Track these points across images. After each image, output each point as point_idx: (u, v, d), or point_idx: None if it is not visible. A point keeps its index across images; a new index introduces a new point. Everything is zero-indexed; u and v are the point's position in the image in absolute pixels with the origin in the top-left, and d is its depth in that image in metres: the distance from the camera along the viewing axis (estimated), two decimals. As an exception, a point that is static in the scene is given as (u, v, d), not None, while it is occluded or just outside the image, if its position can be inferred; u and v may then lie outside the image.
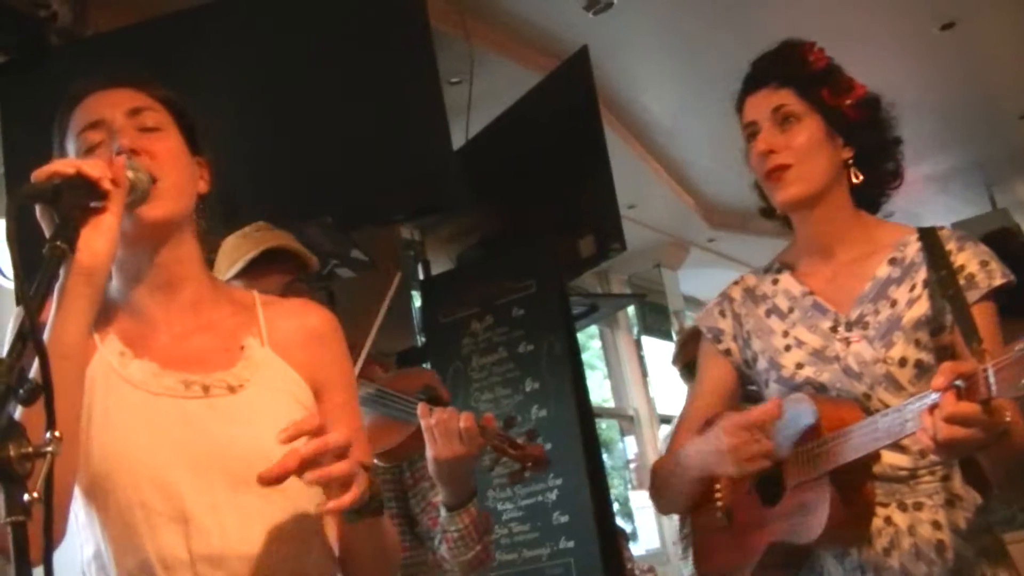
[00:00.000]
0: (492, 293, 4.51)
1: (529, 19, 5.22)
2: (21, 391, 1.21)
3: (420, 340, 4.90)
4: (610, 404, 8.46)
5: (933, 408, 1.72)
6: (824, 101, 2.17)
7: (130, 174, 1.57)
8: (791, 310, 2.25)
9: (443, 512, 2.44)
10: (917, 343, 2.07)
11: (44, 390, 1.23)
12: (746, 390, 2.39)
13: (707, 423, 2.25)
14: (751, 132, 2.21)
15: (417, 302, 5.12)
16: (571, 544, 4.13)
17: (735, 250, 8.68)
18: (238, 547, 1.57)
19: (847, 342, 2.13)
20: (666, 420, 8.32)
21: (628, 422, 8.40)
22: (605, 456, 9.38)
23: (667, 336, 8.61)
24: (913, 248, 2.16)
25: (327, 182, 3.63)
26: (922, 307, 2.09)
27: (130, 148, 1.63)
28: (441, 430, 2.31)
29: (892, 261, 2.16)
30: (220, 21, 3.90)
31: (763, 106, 2.19)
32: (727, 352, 2.34)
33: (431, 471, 2.39)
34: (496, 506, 4.34)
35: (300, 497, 1.61)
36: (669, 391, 8.25)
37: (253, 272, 2.54)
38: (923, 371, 2.05)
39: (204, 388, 1.63)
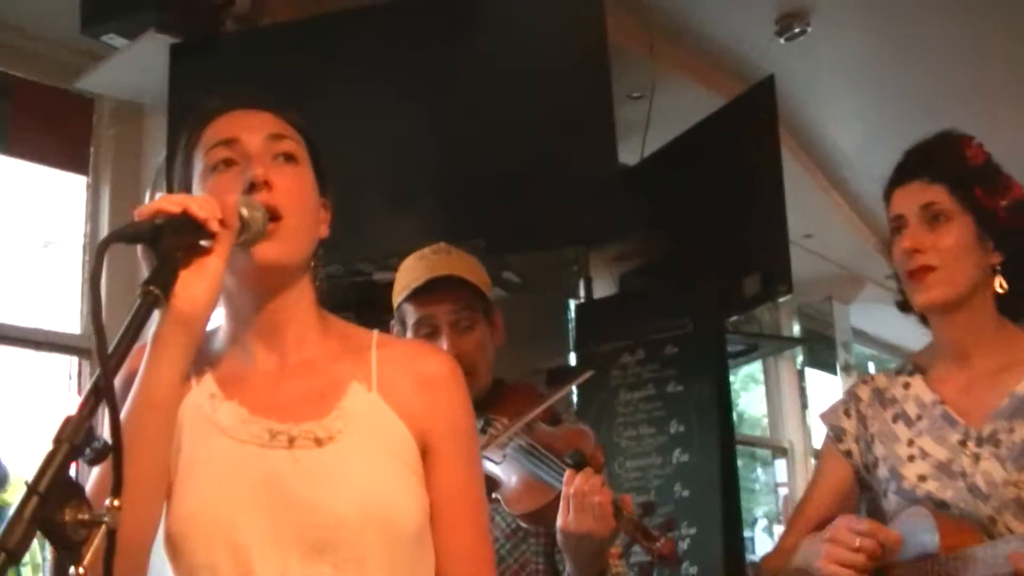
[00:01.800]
0: (647, 327, 4.36)
1: (717, 40, 5.06)
2: (88, 451, 1.15)
3: (572, 359, 4.82)
4: (765, 433, 8.28)
5: None
6: (978, 201, 2.04)
7: (244, 212, 1.47)
8: (919, 418, 2.12)
9: None
10: None
11: (114, 453, 1.16)
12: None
13: (819, 527, 2.12)
14: (897, 226, 2.09)
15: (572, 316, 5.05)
16: (699, 597, 3.97)
17: (913, 290, 8.24)
18: None
19: (976, 459, 1.99)
20: (822, 457, 8.07)
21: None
22: (758, 471, 9.25)
23: (831, 369, 8.38)
24: None
25: (484, 202, 3.55)
26: None
27: (264, 180, 1.53)
28: (577, 502, 2.17)
29: None
30: (392, 23, 3.86)
31: (913, 200, 2.06)
32: (848, 453, 2.22)
33: (559, 540, 2.24)
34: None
35: (379, 572, 1.49)
36: (828, 426, 7.98)
37: (422, 298, 2.48)
38: None
39: (290, 439, 1.52)
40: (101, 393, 1.18)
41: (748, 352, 5.55)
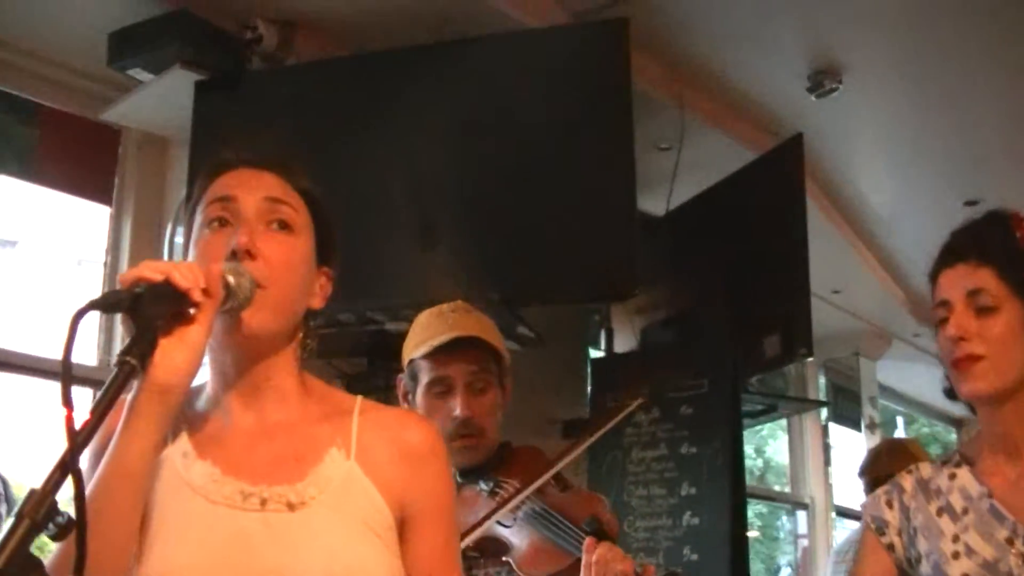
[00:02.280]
0: (663, 385, 4.31)
1: (748, 93, 5.02)
2: (51, 526, 1.12)
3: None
4: (787, 488, 8.19)
5: None
6: None
7: (230, 279, 1.43)
8: (965, 511, 2.02)
9: None
10: None
11: (78, 532, 1.14)
12: None
13: None
14: (943, 313, 2.00)
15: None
16: (703, 668, 3.90)
17: (941, 349, 8.19)
18: None
19: None
20: (843, 513, 7.96)
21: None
22: (783, 519, 9.17)
23: (856, 426, 8.29)
24: None
25: (500, 254, 3.51)
26: None
27: (246, 249, 1.50)
28: (600, 570, 2.15)
29: None
30: (416, 66, 3.84)
31: (959, 285, 1.98)
32: (890, 547, 2.12)
33: None
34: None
35: None
36: (849, 483, 7.89)
37: (441, 357, 2.46)
38: None
39: (262, 502, 1.49)
40: (67, 469, 1.16)
41: (769, 411, 5.47)
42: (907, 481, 2.16)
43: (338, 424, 1.60)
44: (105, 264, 4.28)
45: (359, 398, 1.67)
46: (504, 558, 2.38)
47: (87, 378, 3.87)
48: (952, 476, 2.09)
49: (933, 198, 5.93)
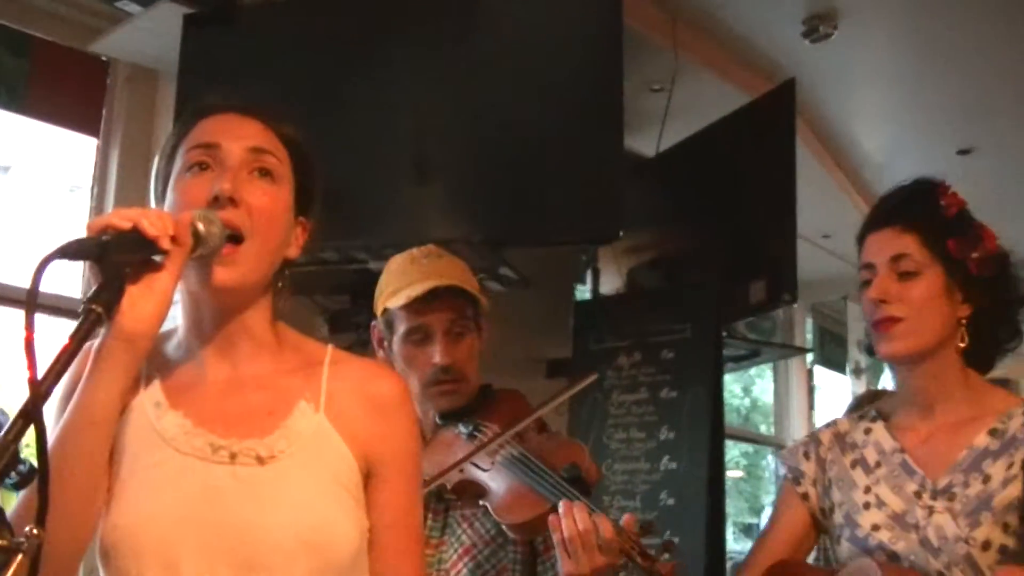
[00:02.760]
0: (646, 329, 4.32)
1: (743, 36, 4.98)
2: (13, 474, 1.14)
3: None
4: (772, 428, 8.24)
5: None
6: (949, 253, 2.03)
7: (200, 227, 1.44)
8: (878, 465, 2.12)
9: None
10: (1005, 527, 1.92)
11: (40, 481, 1.15)
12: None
13: (772, 568, 2.17)
14: (867, 276, 2.08)
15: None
16: (674, 609, 3.91)
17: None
18: None
19: (930, 511, 2.00)
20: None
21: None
22: (768, 459, 9.23)
23: (842, 370, 8.33)
24: (1017, 422, 2.00)
25: (483, 194, 3.49)
26: (1016, 489, 1.93)
27: (229, 196, 1.51)
28: (580, 543, 2.09)
29: (993, 432, 2.01)
30: (415, 5, 3.80)
31: (884, 249, 2.06)
32: (804, 496, 2.23)
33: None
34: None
35: None
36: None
37: (418, 306, 2.45)
38: (1007, 557, 1.90)
39: (232, 455, 1.51)
40: (29, 417, 1.17)
41: (752, 357, 5.49)
42: (825, 435, 2.25)
43: (308, 376, 1.62)
44: (92, 195, 4.28)
45: (330, 348, 1.68)
46: (481, 502, 2.38)
47: (71, 311, 3.89)
48: (868, 431, 2.18)
49: (926, 145, 5.93)
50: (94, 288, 1.35)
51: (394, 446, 1.63)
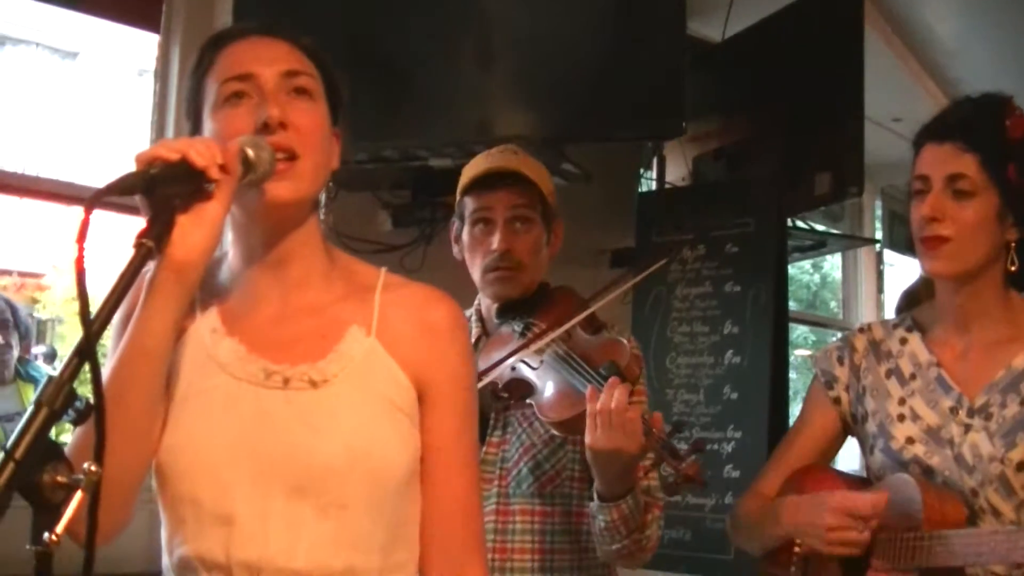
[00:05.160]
0: (709, 223, 4.27)
1: (815, -82, 4.82)
2: (70, 411, 1.17)
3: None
4: (839, 316, 8.18)
5: None
6: (1007, 179, 1.99)
7: (250, 152, 1.46)
8: (913, 377, 2.12)
9: (595, 499, 2.32)
10: None
11: (96, 418, 1.17)
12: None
13: (799, 472, 2.20)
14: (920, 187, 2.06)
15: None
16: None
17: (1002, 175, 8.04)
18: (277, 559, 1.49)
19: (966, 428, 2.00)
20: (894, 340, 7.98)
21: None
22: (835, 338, 9.17)
23: (912, 252, 8.20)
24: None
25: (542, 92, 3.45)
26: None
27: (279, 121, 1.52)
28: (604, 419, 2.16)
29: None
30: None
31: (942, 166, 2.02)
32: (836, 401, 2.24)
33: (587, 456, 2.25)
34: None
35: (363, 517, 1.52)
36: (904, 310, 7.86)
37: (482, 191, 2.51)
38: None
39: (284, 380, 1.54)
40: (84, 356, 1.19)
41: (818, 247, 5.43)
42: (859, 340, 2.25)
43: (361, 300, 1.64)
44: (154, 92, 4.28)
45: (383, 272, 1.70)
46: (528, 400, 2.42)
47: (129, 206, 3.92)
48: (903, 340, 2.18)
49: (1000, 31, 5.76)
50: (145, 222, 1.37)
51: (446, 370, 1.64)
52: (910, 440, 2.06)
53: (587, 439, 2.20)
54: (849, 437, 2.30)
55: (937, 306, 2.17)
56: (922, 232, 2.05)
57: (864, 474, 2.24)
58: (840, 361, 2.25)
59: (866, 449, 2.18)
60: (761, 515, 2.22)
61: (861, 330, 2.29)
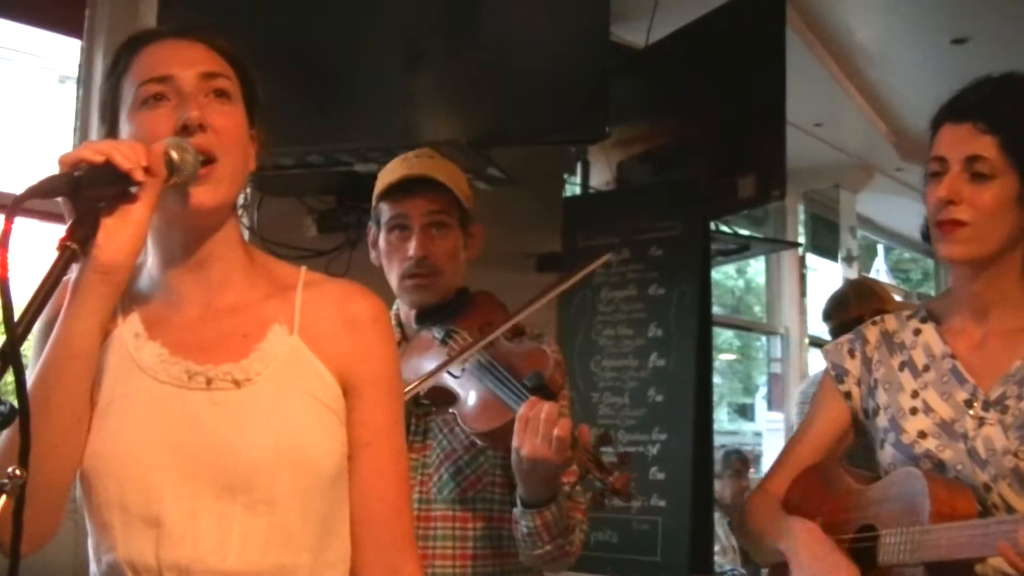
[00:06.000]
0: (634, 226, 4.28)
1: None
2: (-7, 415, 1.15)
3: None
4: (764, 320, 8.28)
5: None
6: None
7: (174, 155, 1.44)
8: (926, 369, 2.05)
9: (518, 504, 2.30)
10: None
11: (21, 421, 1.17)
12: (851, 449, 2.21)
13: (808, 470, 2.14)
14: (937, 168, 1.97)
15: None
16: (662, 503, 3.96)
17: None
18: (208, 559, 1.47)
19: (980, 422, 1.94)
20: (816, 343, 8.10)
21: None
22: (763, 339, 9.31)
23: (833, 257, 8.34)
24: None
25: (467, 96, 3.44)
26: None
27: (199, 123, 1.51)
28: (533, 427, 2.16)
29: None
30: None
31: (960, 147, 1.95)
32: (847, 395, 2.17)
33: (512, 461, 2.24)
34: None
35: (293, 514, 1.52)
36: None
37: (398, 196, 2.49)
38: None
39: (208, 380, 1.53)
40: (8, 359, 1.18)
41: (742, 251, 5.48)
42: (872, 332, 2.19)
43: (282, 299, 1.63)
44: (77, 98, 4.23)
45: (303, 271, 1.70)
46: (451, 410, 2.40)
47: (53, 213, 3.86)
48: (917, 332, 2.11)
49: (920, 34, 5.86)
50: (68, 223, 1.36)
51: (370, 365, 1.64)
52: (922, 434, 2.00)
53: (514, 441, 2.19)
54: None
55: (954, 294, 2.11)
56: (938, 215, 1.96)
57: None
58: (851, 354, 2.19)
59: (877, 444, 2.11)
60: (764, 528, 2.15)
61: (874, 322, 2.21)
